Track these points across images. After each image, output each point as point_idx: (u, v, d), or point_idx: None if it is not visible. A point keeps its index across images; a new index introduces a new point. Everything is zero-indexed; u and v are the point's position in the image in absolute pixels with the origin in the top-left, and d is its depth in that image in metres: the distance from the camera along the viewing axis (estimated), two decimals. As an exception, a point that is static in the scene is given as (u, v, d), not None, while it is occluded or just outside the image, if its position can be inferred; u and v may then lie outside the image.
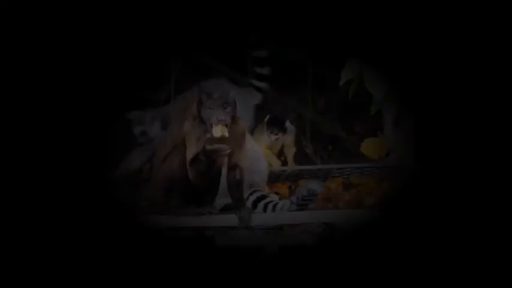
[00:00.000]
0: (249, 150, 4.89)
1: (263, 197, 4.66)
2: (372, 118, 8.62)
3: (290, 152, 5.62)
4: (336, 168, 6.00)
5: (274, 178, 5.69)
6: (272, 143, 5.50)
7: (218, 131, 4.09)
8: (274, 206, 4.52)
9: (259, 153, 5.08)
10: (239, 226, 4.34)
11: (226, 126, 4.11)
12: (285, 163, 5.75)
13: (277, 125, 5.48)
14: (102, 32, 4.64)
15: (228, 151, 4.13)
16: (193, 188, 4.36)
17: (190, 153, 4.21)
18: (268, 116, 5.54)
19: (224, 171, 4.41)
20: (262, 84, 6.07)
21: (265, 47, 6.07)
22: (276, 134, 5.47)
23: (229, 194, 4.37)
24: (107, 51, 4.72)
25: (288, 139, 5.59)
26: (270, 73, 6.11)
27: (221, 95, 4.13)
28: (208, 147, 4.09)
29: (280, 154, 5.69)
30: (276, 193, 5.22)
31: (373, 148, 4.77)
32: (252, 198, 4.66)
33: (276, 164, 5.58)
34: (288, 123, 5.55)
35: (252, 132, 5.55)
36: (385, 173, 5.67)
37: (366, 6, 3.87)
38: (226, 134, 4.10)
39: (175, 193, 4.33)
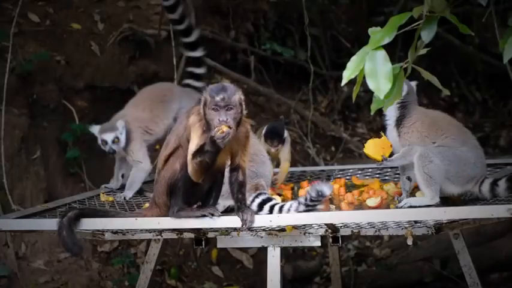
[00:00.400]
0: (256, 154, 4.91)
1: (268, 199, 4.65)
2: (374, 119, 8.65)
3: (285, 165, 5.54)
4: (338, 170, 6.00)
5: (277, 179, 5.68)
6: (268, 149, 5.46)
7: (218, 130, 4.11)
8: (281, 207, 4.51)
9: (266, 157, 5.07)
10: (241, 228, 4.34)
11: (230, 127, 4.12)
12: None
13: (276, 137, 5.44)
14: None
15: (233, 129, 4.12)
16: (196, 189, 4.36)
17: (194, 145, 4.21)
18: (265, 129, 5.48)
19: (227, 172, 4.41)
20: (199, 84, 6.21)
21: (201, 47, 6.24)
22: (276, 146, 5.44)
23: (231, 195, 4.37)
24: None
25: (284, 150, 5.52)
26: (206, 72, 6.29)
27: (224, 97, 4.14)
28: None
29: (277, 160, 5.64)
30: (279, 194, 5.22)
31: (376, 149, 4.76)
32: (258, 200, 4.64)
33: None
34: (285, 134, 5.50)
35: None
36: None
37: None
38: (225, 130, 4.10)
39: (178, 194, 4.33)
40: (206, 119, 4.17)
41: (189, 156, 4.22)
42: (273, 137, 5.41)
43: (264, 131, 5.45)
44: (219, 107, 4.14)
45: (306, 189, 4.44)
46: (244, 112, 4.25)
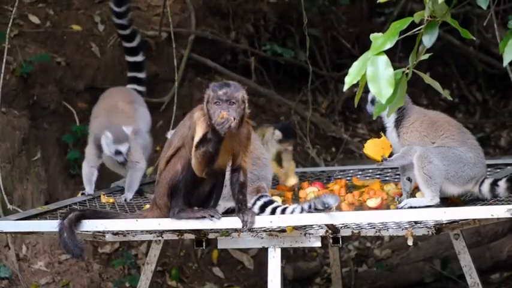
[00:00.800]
0: (258, 157, 4.92)
1: (270, 202, 4.66)
2: (374, 119, 8.66)
3: (290, 165, 5.56)
4: (339, 170, 6.01)
5: (278, 180, 5.69)
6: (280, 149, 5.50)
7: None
8: (283, 210, 4.52)
9: (268, 160, 5.09)
10: (242, 229, 4.34)
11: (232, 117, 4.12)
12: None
13: (293, 135, 5.51)
14: None
15: (236, 121, 4.14)
16: (197, 190, 4.37)
17: (197, 137, 4.21)
18: (281, 131, 5.48)
19: (228, 174, 4.42)
20: (142, 88, 6.35)
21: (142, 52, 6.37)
22: (292, 144, 5.50)
23: (232, 196, 4.37)
24: None
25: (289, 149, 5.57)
26: (146, 78, 6.42)
27: (227, 91, 4.16)
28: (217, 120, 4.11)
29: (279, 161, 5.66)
30: (279, 195, 5.22)
31: (376, 149, 4.76)
32: (259, 203, 4.66)
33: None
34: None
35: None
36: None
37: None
38: (225, 115, 4.10)
39: (179, 195, 4.33)
40: (209, 114, 4.18)
41: (193, 149, 4.22)
42: (293, 136, 5.52)
43: (280, 133, 5.46)
44: (221, 101, 4.15)
45: (311, 199, 4.42)
46: (247, 111, 4.26)
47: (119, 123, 5.63)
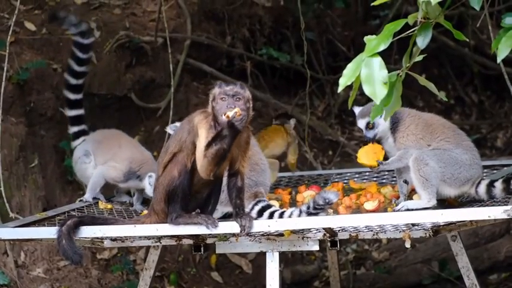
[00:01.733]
0: (256, 163, 4.93)
1: (268, 206, 4.68)
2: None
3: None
4: (336, 174, 6.02)
5: (275, 184, 5.70)
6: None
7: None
8: (281, 214, 4.52)
9: (266, 165, 5.11)
10: (240, 233, 4.35)
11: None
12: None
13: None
14: None
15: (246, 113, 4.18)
16: (194, 196, 4.38)
17: (203, 139, 4.22)
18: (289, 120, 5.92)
19: (225, 179, 4.43)
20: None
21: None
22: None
23: (230, 201, 4.38)
24: None
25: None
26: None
27: (233, 88, 4.20)
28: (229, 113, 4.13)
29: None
30: (277, 199, 5.23)
31: (369, 155, 4.77)
32: (257, 208, 4.67)
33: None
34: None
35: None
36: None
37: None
38: (242, 112, 4.12)
39: (176, 201, 4.33)
40: (214, 111, 4.20)
41: (202, 150, 4.21)
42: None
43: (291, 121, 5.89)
44: (227, 96, 4.18)
45: (310, 198, 4.43)
46: (251, 112, 4.28)
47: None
